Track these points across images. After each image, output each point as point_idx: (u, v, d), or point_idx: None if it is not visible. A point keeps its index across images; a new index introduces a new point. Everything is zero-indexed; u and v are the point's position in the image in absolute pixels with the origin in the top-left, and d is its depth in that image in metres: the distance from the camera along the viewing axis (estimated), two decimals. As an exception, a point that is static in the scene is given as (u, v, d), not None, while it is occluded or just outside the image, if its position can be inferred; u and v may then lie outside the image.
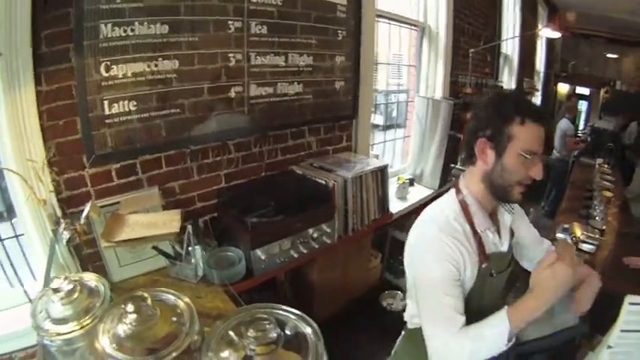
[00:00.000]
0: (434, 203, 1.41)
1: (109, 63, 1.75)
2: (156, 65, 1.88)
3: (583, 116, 11.56)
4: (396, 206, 3.37)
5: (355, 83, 2.96)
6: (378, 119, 4.47)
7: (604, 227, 3.13)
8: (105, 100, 1.78)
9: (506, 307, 1.15)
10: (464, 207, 1.33)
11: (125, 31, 1.76)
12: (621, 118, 8.59)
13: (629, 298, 1.03)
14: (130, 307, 0.84)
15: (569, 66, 11.93)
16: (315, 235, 2.34)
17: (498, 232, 1.39)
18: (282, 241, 2.17)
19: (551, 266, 1.11)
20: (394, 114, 4.53)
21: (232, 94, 2.20)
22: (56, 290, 1.03)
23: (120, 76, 1.79)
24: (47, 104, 1.67)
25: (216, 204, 2.35)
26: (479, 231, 1.31)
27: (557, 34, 5.97)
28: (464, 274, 1.27)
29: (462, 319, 1.21)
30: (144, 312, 0.85)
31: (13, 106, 1.58)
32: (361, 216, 2.72)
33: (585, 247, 2.76)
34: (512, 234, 1.45)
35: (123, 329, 0.84)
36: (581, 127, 10.19)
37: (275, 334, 0.79)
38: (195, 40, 1.99)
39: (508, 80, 6.91)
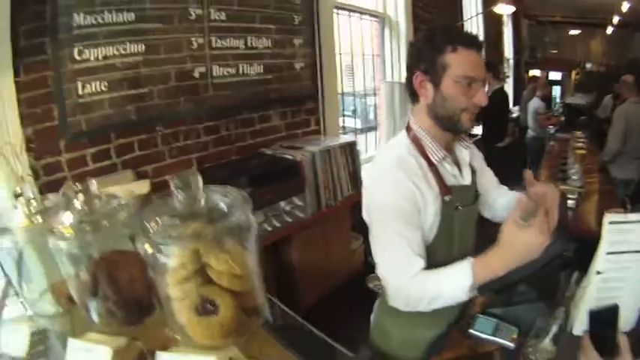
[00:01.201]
0: (386, 145, 1.43)
1: (81, 48, 1.97)
2: (125, 50, 2.12)
3: (557, 100, 11.94)
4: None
5: (316, 67, 3.23)
6: (356, 122, 4.68)
7: (581, 186, 3.25)
8: (79, 84, 1.99)
9: (471, 260, 1.14)
10: (416, 142, 1.31)
11: (96, 19, 1.99)
12: (594, 95, 8.85)
13: (609, 217, 0.99)
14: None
15: (538, 52, 12.42)
16: (287, 209, 2.53)
17: (458, 166, 1.38)
18: (255, 214, 2.33)
19: (526, 229, 1.05)
20: (370, 116, 4.75)
21: (197, 74, 2.43)
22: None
23: (92, 59, 2.01)
24: (25, 93, 1.86)
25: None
26: (434, 161, 1.29)
27: (511, 9, 6.35)
28: (424, 210, 1.25)
29: (421, 261, 1.20)
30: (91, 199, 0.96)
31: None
32: (334, 192, 2.91)
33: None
34: (473, 171, 1.44)
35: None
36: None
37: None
38: (160, 27, 2.23)
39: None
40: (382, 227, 1.26)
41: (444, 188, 1.28)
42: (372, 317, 1.60)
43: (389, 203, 1.23)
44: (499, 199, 1.58)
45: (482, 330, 1.32)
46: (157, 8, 2.21)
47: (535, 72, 10.52)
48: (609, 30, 11.19)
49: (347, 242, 3.48)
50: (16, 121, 1.84)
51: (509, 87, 10.43)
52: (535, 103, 6.27)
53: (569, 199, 3.01)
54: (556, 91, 11.43)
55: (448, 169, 1.33)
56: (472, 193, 1.41)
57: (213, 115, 2.57)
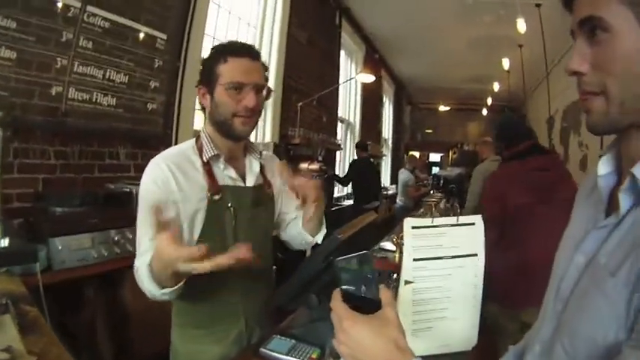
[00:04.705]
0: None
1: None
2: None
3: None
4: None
5: (172, 113, 3.62)
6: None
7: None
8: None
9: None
10: (198, 142, 1.49)
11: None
12: (465, 168, 9.80)
13: (409, 222, 0.95)
14: None
15: (418, 135, 13.97)
16: (116, 238, 2.52)
17: (243, 174, 1.54)
18: (83, 237, 2.35)
19: None
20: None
21: (54, 93, 2.64)
22: None
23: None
24: None
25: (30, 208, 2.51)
26: (204, 159, 1.44)
27: (371, 78, 7.09)
28: (182, 202, 1.38)
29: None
30: None
31: None
32: (170, 234, 3.14)
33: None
34: (267, 182, 1.62)
35: None
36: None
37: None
38: (33, 41, 2.49)
39: (351, 142, 8.27)
40: (139, 215, 1.40)
41: (215, 187, 1.43)
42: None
43: (142, 189, 1.40)
44: (296, 224, 1.70)
45: (276, 349, 1.37)
46: (37, 25, 2.49)
47: (415, 153, 11.82)
48: (484, 112, 13.14)
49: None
50: None
51: (387, 165, 11.68)
52: (403, 175, 7.06)
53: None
54: (435, 170, 12.74)
55: (221, 168, 1.48)
56: (251, 196, 1.53)
57: (65, 139, 2.73)
